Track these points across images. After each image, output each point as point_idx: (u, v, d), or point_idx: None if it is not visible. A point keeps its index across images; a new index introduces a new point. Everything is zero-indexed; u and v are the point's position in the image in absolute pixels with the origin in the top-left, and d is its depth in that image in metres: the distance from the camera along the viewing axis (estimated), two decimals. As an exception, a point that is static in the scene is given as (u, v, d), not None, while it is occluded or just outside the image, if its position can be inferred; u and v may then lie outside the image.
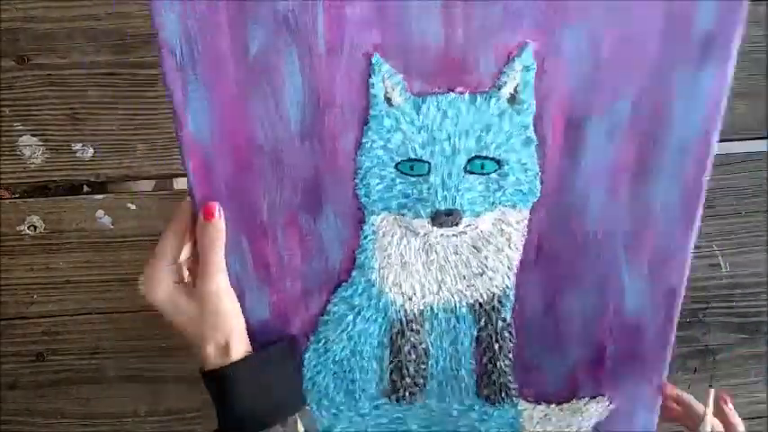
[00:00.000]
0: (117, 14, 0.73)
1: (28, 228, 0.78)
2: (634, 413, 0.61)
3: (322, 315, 0.57)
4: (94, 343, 0.80)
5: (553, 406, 0.61)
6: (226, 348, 0.50)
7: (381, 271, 0.55)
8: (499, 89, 0.47)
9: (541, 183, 0.51)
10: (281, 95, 0.46)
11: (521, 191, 0.52)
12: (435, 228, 0.52)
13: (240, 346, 0.51)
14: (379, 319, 0.57)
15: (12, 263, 0.78)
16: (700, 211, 0.53)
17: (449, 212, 0.51)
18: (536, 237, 0.54)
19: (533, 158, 0.50)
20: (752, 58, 0.78)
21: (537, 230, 0.54)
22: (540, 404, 0.60)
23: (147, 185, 0.80)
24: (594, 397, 0.61)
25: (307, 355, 0.58)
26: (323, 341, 0.58)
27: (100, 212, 0.78)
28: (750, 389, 0.93)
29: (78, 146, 0.76)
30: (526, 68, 0.47)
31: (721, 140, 0.82)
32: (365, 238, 0.54)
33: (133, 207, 0.77)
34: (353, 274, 0.55)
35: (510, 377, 0.59)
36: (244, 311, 0.53)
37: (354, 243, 0.54)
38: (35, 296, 0.79)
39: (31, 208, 0.78)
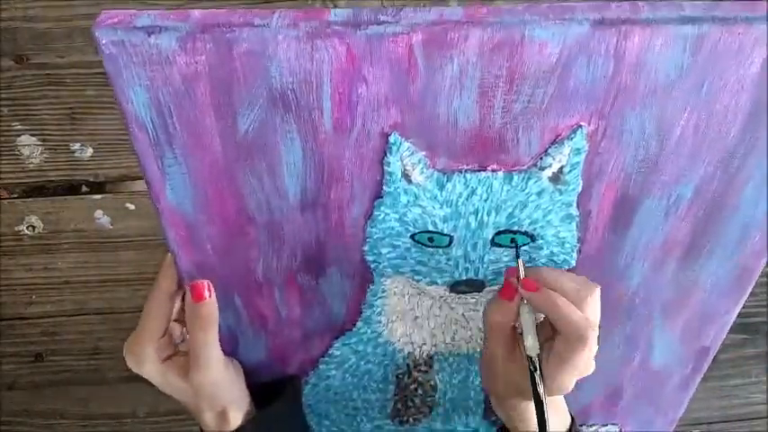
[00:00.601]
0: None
1: (26, 228, 0.78)
2: None
3: (323, 356, 0.52)
4: (93, 343, 0.80)
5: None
6: (224, 416, 0.47)
7: (390, 325, 0.50)
8: (541, 170, 0.40)
9: (579, 253, 0.45)
10: (278, 170, 0.39)
11: (554, 261, 0.45)
12: (453, 294, 0.46)
13: (239, 413, 0.48)
14: (385, 362, 0.53)
15: (10, 263, 0.78)
16: (750, 288, 0.48)
17: (470, 283, 0.45)
18: None
19: (573, 233, 0.44)
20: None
21: None
22: None
23: (145, 185, 0.79)
24: (605, 425, 0.59)
25: (306, 388, 0.55)
26: (324, 378, 0.54)
27: (99, 212, 0.77)
28: (750, 389, 0.93)
29: (77, 146, 0.75)
30: (576, 151, 0.39)
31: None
32: (374, 296, 0.48)
33: (132, 207, 0.77)
34: (359, 324, 0.50)
35: None
36: (238, 358, 0.49)
37: (360, 298, 0.48)
38: (34, 296, 0.79)
39: (30, 208, 0.77)
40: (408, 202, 0.41)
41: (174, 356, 0.46)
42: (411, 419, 0.57)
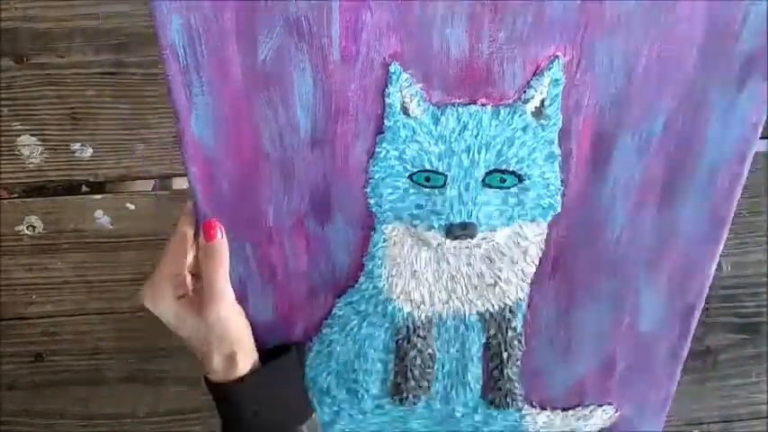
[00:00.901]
0: (116, 14, 0.73)
1: (26, 228, 0.78)
2: (640, 418, 0.61)
3: (326, 318, 0.55)
4: (93, 343, 0.80)
5: (558, 411, 0.60)
6: (232, 360, 0.49)
7: (390, 279, 0.53)
8: (525, 102, 0.45)
9: (563, 197, 0.49)
10: (291, 102, 0.43)
11: (541, 205, 0.49)
12: (449, 240, 0.50)
13: (247, 359, 0.50)
14: (386, 325, 0.55)
15: (10, 263, 0.78)
16: (726, 232, 0.51)
17: (464, 226, 0.49)
18: (553, 250, 0.52)
19: (556, 173, 0.48)
20: None
21: (555, 244, 0.52)
22: (545, 409, 0.60)
23: (145, 185, 0.80)
24: (601, 405, 0.60)
25: (309, 356, 0.57)
26: (326, 343, 0.56)
27: (99, 212, 0.78)
28: (750, 389, 0.94)
29: (77, 146, 0.76)
30: (554, 82, 0.44)
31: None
32: (374, 246, 0.51)
33: (132, 207, 0.77)
34: (361, 280, 0.53)
35: (516, 383, 0.58)
36: (247, 313, 0.51)
37: (363, 250, 0.51)
38: (34, 297, 0.79)
39: (30, 208, 0.77)
40: (407, 137, 0.45)
41: (187, 296, 0.49)
42: (410, 395, 0.58)
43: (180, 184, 0.79)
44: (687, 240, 0.52)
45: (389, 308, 0.54)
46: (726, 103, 0.45)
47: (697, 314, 0.56)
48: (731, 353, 0.85)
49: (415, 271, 0.53)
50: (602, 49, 0.42)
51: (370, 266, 0.52)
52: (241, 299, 0.51)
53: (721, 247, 0.52)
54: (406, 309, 0.55)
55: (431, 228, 0.49)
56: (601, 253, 0.53)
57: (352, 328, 0.56)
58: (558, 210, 0.50)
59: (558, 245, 0.52)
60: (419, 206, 0.49)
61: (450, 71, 0.43)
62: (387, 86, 0.44)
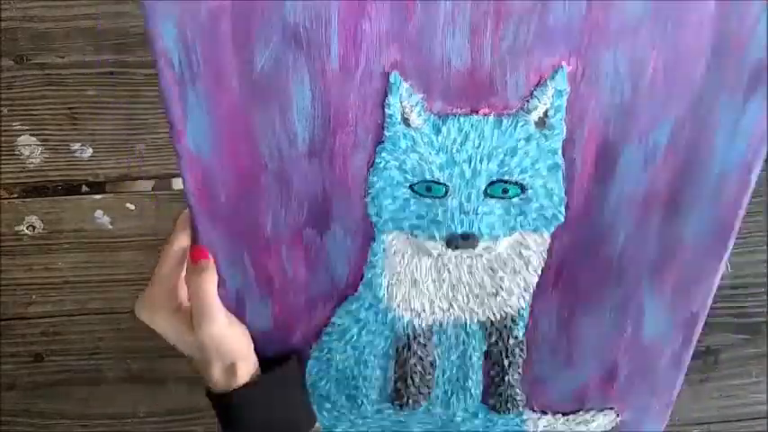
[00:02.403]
0: (116, 14, 0.73)
1: (26, 228, 0.78)
2: (641, 422, 0.61)
3: (326, 327, 0.54)
4: (93, 343, 0.80)
5: (559, 416, 0.60)
6: (232, 370, 0.48)
7: (390, 288, 0.52)
8: (528, 113, 0.44)
9: (567, 208, 0.48)
10: (289, 112, 0.43)
11: (544, 216, 0.49)
12: (450, 250, 0.49)
13: (248, 368, 0.49)
14: (386, 333, 0.55)
15: (10, 263, 0.78)
16: (731, 242, 0.51)
17: (465, 236, 0.48)
18: (556, 260, 0.52)
19: (559, 184, 0.47)
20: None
21: (558, 254, 0.51)
22: (546, 414, 0.60)
23: (145, 185, 0.80)
24: (603, 410, 0.60)
25: (308, 363, 0.57)
26: (325, 351, 0.56)
27: (98, 212, 0.78)
28: (751, 389, 0.94)
29: (77, 146, 0.76)
30: (558, 92, 0.43)
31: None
32: (374, 255, 0.51)
33: (132, 207, 0.77)
34: (360, 289, 0.53)
35: (518, 389, 0.58)
36: (245, 324, 0.51)
37: (362, 259, 0.51)
38: (34, 296, 0.79)
39: (30, 208, 0.77)
40: (407, 147, 0.44)
41: (183, 309, 0.48)
42: (410, 401, 0.58)
43: (180, 184, 0.79)
44: (692, 251, 0.51)
45: (389, 316, 0.54)
46: (733, 113, 0.44)
47: (701, 323, 0.55)
48: (731, 353, 0.85)
49: (415, 280, 0.52)
50: (608, 58, 0.41)
51: (370, 276, 0.52)
52: (238, 310, 0.51)
53: (727, 257, 0.51)
54: (407, 317, 0.54)
55: (432, 238, 0.49)
56: (604, 263, 0.52)
57: (351, 337, 0.55)
58: (562, 220, 0.49)
59: (561, 255, 0.52)
60: (420, 216, 0.48)
61: (452, 81, 0.42)
62: (387, 97, 0.43)
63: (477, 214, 0.47)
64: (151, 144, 0.75)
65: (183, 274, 0.47)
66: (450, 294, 0.53)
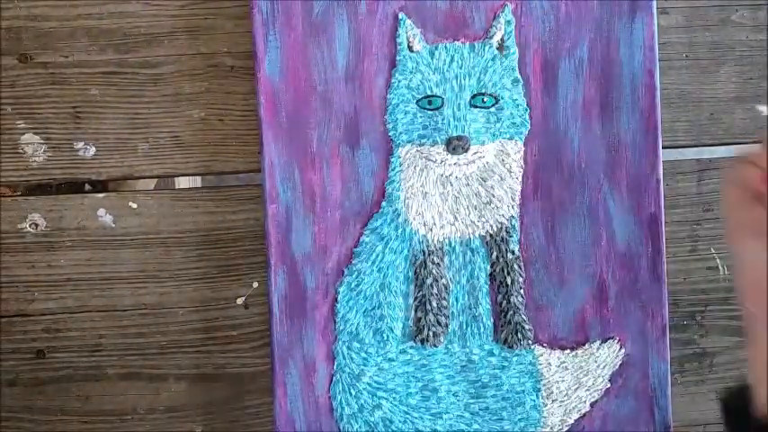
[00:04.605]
0: (120, 14, 0.74)
1: (29, 225, 0.79)
2: (647, 361, 0.68)
3: (356, 247, 0.68)
4: (95, 341, 0.81)
5: (567, 351, 0.68)
6: None
7: (406, 201, 0.68)
8: (490, 38, 0.67)
9: (530, 118, 0.68)
10: (333, 46, 0.65)
11: (515, 123, 0.68)
12: (450, 155, 0.66)
13: None
14: (405, 251, 0.68)
15: (13, 260, 0.79)
16: (660, 143, 0.67)
17: (459, 138, 0.66)
18: (531, 169, 0.68)
19: (521, 95, 0.68)
20: (751, 62, 0.78)
21: (531, 162, 0.69)
22: (554, 349, 0.67)
23: (148, 184, 0.80)
24: (605, 340, 0.68)
25: (341, 289, 0.68)
26: (356, 273, 0.68)
27: (101, 211, 0.79)
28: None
29: (80, 144, 0.78)
30: (508, 23, 0.67)
31: (720, 144, 0.83)
32: (393, 169, 0.68)
33: (135, 206, 0.78)
34: (383, 204, 0.68)
35: (524, 316, 0.67)
36: (290, 243, 0.65)
37: (384, 175, 0.68)
38: (36, 294, 0.80)
39: (33, 206, 0.79)
40: (412, 68, 0.67)
41: None
42: (431, 333, 0.67)
43: (182, 183, 0.80)
44: (631, 151, 0.68)
45: (407, 230, 0.69)
46: (626, 31, 0.67)
47: (662, 227, 0.67)
48: (727, 355, 0.85)
49: (425, 192, 0.68)
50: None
51: (390, 190, 0.68)
52: (286, 230, 0.66)
53: (661, 157, 0.65)
54: (421, 231, 0.68)
55: (435, 143, 0.67)
56: (567, 169, 0.69)
57: (377, 256, 0.68)
58: (529, 127, 0.68)
59: (534, 164, 0.68)
60: (425, 126, 0.67)
61: (439, 18, 0.67)
62: (397, 30, 0.66)
63: (466, 121, 0.66)
64: (154, 143, 0.76)
65: None
66: (454, 207, 0.68)
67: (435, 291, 0.67)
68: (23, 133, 0.77)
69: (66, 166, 0.78)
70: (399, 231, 0.68)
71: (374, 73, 0.66)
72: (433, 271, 0.67)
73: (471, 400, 0.67)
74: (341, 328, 0.67)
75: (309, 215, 0.67)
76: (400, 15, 0.65)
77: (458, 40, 0.66)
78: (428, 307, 0.67)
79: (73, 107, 0.77)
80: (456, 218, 0.68)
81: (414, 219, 0.68)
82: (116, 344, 0.85)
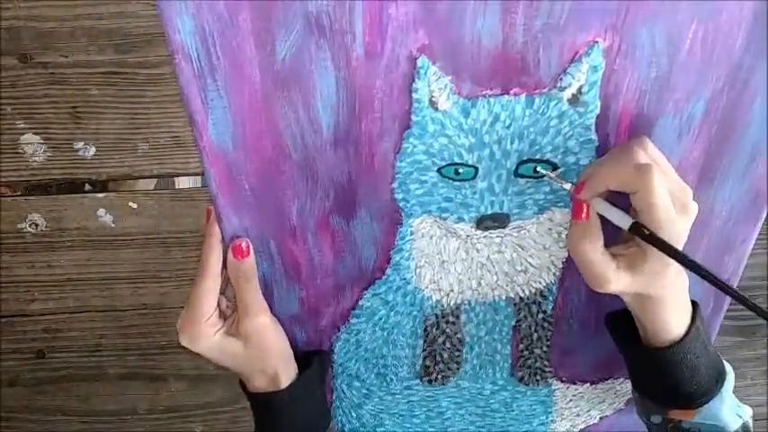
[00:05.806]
0: (119, 14, 0.73)
1: (29, 225, 0.78)
2: None
3: (354, 309, 0.54)
4: (95, 340, 0.80)
5: (587, 385, 0.60)
6: (275, 378, 0.50)
7: (418, 270, 0.52)
8: (561, 90, 0.42)
9: None
10: (312, 101, 0.41)
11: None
12: (479, 231, 0.48)
13: (288, 372, 0.51)
14: (414, 313, 0.54)
15: (13, 260, 0.78)
16: (765, 213, 0.50)
17: (495, 218, 0.47)
18: None
19: (591, 160, 0.46)
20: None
21: None
22: (574, 384, 0.60)
23: (148, 184, 0.80)
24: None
25: (337, 345, 0.57)
26: (354, 333, 0.56)
27: (101, 211, 0.78)
28: (748, 392, 0.93)
29: (80, 144, 0.76)
30: (593, 69, 0.41)
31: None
32: (402, 239, 0.50)
33: (134, 206, 0.77)
34: (388, 272, 0.52)
35: (546, 361, 0.58)
36: (272, 307, 0.51)
37: (389, 243, 0.50)
38: (36, 294, 0.79)
39: (33, 206, 0.78)
40: (435, 131, 0.43)
41: (225, 325, 0.48)
42: (439, 377, 0.58)
43: (182, 183, 0.80)
44: (724, 221, 0.50)
45: (418, 297, 0.53)
46: None
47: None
48: (728, 355, 0.85)
49: (443, 261, 0.51)
50: (645, 32, 0.40)
51: (398, 258, 0.51)
52: (266, 297, 0.51)
53: (759, 227, 0.51)
54: (435, 297, 0.53)
55: (461, 220, 0.48)
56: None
57: (380, 318, 0.55)
58: None
59: None
60: (448, 199, 0.47)
61: (482, 62, 0.41)
62: (414, 81, 0.41)
63: (507, 195, 0.46)
64: (154, 143, 0.75)
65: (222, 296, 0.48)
66: (479, 273, 0.52)
67: (448, 346, 0.56)
68: (23, 133, 0.73)
69: (65, 165, 0.75)
70: (408, 298, 0.53)
71: (376, 136, 0.43)
72: (447, 330, 0.55)
73: (478, 419, 0.61)
74: (338, 371, 0.57)
75: (293, 285, 0.51)
76: (420, 60, 0.39)
77: (508, 93, 0.41)
78: (438, 358, 0.56)
79: (73, 107, 0.73)
80: (480, 283, 0.52)
81: (427, 287, 0.52)
82: (116, 344, 0.85)
